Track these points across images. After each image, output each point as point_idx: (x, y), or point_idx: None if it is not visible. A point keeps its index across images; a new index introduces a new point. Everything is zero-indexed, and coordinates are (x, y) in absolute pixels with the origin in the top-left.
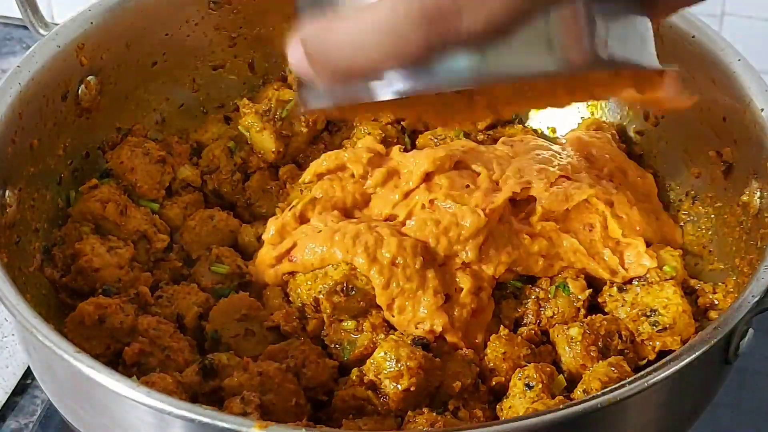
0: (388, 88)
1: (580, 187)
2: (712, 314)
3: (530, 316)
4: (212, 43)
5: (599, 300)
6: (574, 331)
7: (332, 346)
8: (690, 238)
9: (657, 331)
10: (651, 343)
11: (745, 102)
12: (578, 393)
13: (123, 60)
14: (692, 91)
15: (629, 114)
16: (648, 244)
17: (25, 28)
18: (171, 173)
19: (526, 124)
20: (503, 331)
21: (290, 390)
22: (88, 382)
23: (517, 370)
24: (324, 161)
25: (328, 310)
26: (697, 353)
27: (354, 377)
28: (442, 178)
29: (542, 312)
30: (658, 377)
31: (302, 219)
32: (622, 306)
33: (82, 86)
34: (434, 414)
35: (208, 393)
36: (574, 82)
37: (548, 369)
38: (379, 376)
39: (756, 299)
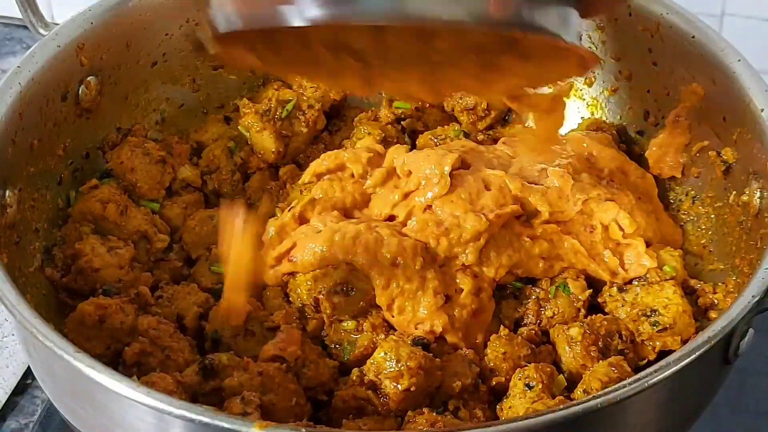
0: (300, 14)
1: (583, 189)
2: (712, 314)
3: (530, 316)
4: None
5: (599, 300)
6: (574, 331)
7: (332, 346)
8: (690, 238)
9: (657, 331)
10: (651, 343)
11: (745, 102)
12: (578, 393)
13: (123, 60)
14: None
15: (629, 114)
16: (648, 245)
17: (25, 28)
18: (171, 173)
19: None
20: (503, 331)
21: (290, 390)
22: (88, 382)
23: (518, 370)
24: (324, 161)
25: (328, 311)
26: (697, 353)
27: (354, 377)
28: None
29: (542, 312)
30: (658, 377)
31: (302, 219)
32: (623, 306)
33: (82, 86)
34: (434, 414)
35: (208, 393)
36: (489, 54)
37: (548, 369)
38: (379, 376)
39: (756, 299)
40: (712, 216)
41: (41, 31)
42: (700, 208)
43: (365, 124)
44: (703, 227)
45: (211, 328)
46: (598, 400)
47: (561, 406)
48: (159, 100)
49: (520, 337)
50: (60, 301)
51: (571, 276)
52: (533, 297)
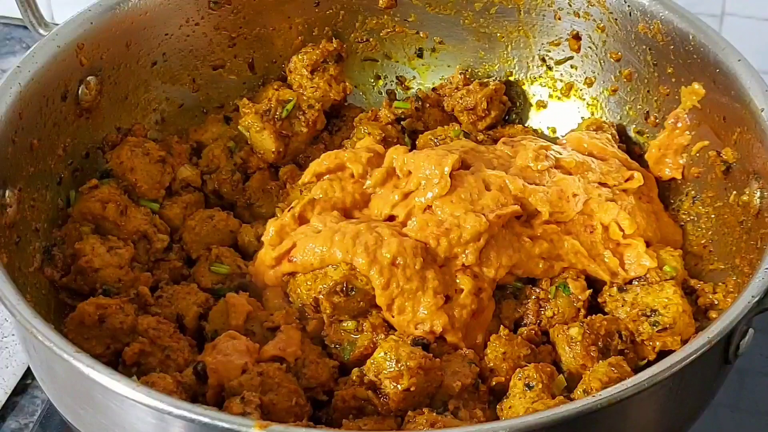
0: None
1: (584, 189)
2: (712, 314)
3: (530, 316)
4: (212, 43)
5: (599, 300)
6: (574, 331)
7: (332, 346)
8: (690, 238)
9: (657, 332)
10: (651, 343)
11: (745, 102)
12: (578, 393)
13: (123, 60)
14: None
15: (629, 114)
16: (648, 245)
17: (25, 28)
18: (171, 173)
19: (526, 125)
20: (503, 331)
21: (290, 390)
22: (88, 382)
23: (518, 370)
24: (324, 161)
25: (328, 311)
26: (697, 353)
27: (354, 377)
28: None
29: (542, 312)
30: (658, 377)
31: (301, 220)
32: (622, 306)
33: (82, 86)
34: (434, 414)
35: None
36: None
37: (548, 369)
38: (379, 376)
39: (756, 299)
40: (712, 216)
41: (41, 31)
42: (700, 208)
43: (365, 124)
44: (703, 227)
45: (210, 328)
46: (598, 400)
47: (561, 406)
48: (159, 100)
49: (520, 337)
50: (60, 301)
51: (571, 276)
52: (533, 297)
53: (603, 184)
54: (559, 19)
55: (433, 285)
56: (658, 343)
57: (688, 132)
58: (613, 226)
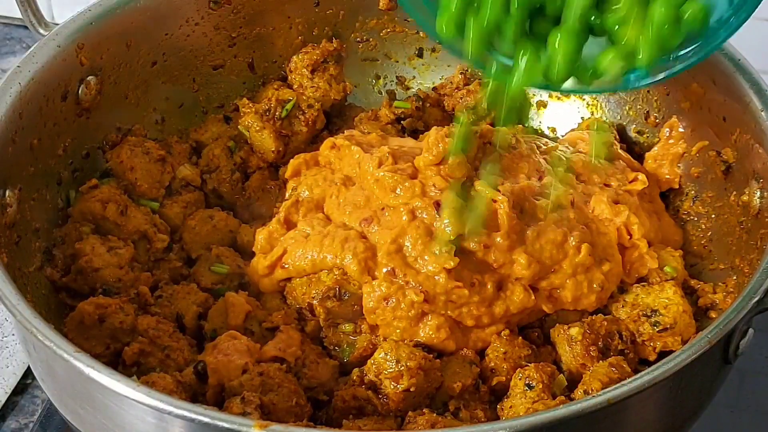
0: None
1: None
2: (712, 314)
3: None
4: (212, 43)
5: None
6: (575, 331)
7: (331, 348)
8: (690, 238)
9: (658, 332)
10: (652, 343)
11: (745, 102)
12: (579, 393)
13: (123, 60)
14: None
15: (629, 114)
16: (649, 245)
17: (25, 28)
18: (171, 173)
19: (526, 125)
20: (504, 332)
21: (290, 390)
22: (88, 382)
23: (518, 370)
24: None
25: (322, 315)
26: (697, 353)
27: (354, 377)
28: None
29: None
30: (658, 377)
31: (288, 224)
32: (623, 307)
33: (82, 86)
34: (435, 414)
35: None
36: None
37: (549, 369)
38: (379, 377)
39: (756, 299)
40: (712, 216)
41: (41, 31)
42: (700, 208)
43: (365, 123)
44: (703, 227)
45: (210, 328)
46: (598, 400)
47: (561, 406)
48: (159, 100)
49: (520, 337)
50: (60, 301)
51: None
52: None
53: (607, 185)
54: None
55: None
56: (658, 344)
57: (683, 140)
58: (621, 229)
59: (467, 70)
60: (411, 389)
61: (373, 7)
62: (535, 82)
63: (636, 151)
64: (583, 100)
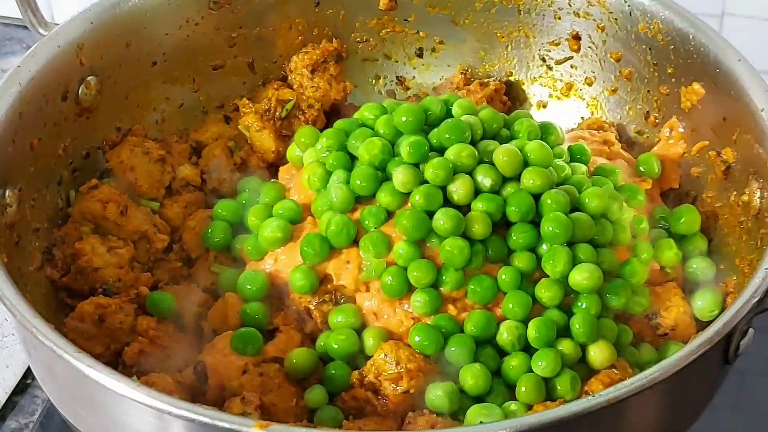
0: None
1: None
2: None
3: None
4: (212, 43)
5: None
6: None
7: None
8: None
9: (658, 334)
10: (652, 344)
11: (745, 102)
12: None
13: (123, 60)
14: None
15: (629, 114)
16: None
17: (25, 28)
18: (171, 172)
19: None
20: None
21: (290, 390)
22: (88, 382)
23: None
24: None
25: (319, 319)
26: (697, 353)
27: (354, 379)
28: None
29: None
30: (658, 377)
31: None
32: None
33: (82, 86)
34: (434, 415)
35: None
36: None
37: None
38: (379, 378)
39: (756, 299)
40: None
41: (41, 31)
42: (700, 208)
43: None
44: (703, 227)
45: (209, 328)
46: (598, 400)
47: (561, 406)
48: (159, 100)
49: None
50: (60, 301)
51: None
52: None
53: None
54: (559, 19)
55: None
56: (659, 345)
57: (683, 140)
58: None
59: (467, 71)
60: (411, 391)
61: (373, 7)
62: None
63: (636, 151)
64: (583, 99)
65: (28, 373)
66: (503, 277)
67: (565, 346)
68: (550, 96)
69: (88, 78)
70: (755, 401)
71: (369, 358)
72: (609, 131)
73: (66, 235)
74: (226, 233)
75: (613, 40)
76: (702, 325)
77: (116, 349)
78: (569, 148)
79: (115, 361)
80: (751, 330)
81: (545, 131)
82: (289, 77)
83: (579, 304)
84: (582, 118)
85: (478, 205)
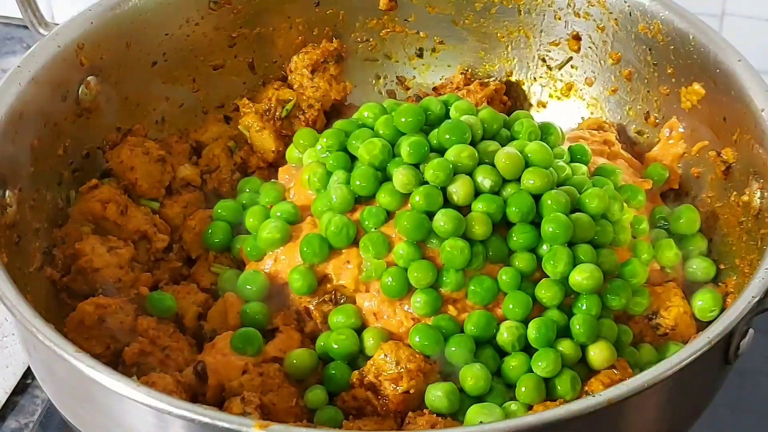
0: None
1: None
2: None
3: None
4: (212, 43)
5: None
6: None
7: None
8: None
9: (659, 334)
10: (652, 344)
11: (745, 102)
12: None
13: (123, 60)
14: None
15: (629, 114)
16: None
17: (25, 28)
18: (171, 172)
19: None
20: None
21: (290, 390)
22: (88, 382)
23: None
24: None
25: (318, 319)
26: (697, 353)
27: (354, 379)
28: None
29: None
30: (658, 377)
31: None
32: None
33: (82, 86)
34: (435, 415)
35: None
36: None
37: None
38: (379, 378)
39: (756, 299)
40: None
41: (41, 31)
42: (700, 208)
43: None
44: (703, 227)
45: (209, 328)
46: (598, 400)
47: (561, 406)
48: (159, 100)
49: None
50: (60, 301)
51: None
52: None
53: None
54: (559, 19)
55: None
56: (659, 345)
57: (683, 140)
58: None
59: (467, 71)
60: (410, 391)
61: (373, 7)
62: None
63: (636, 151)
64: (583, 100)
65: (28, 373)
66: (503, 277)
67: (565, 346)
68: (550, 96)
69: (88, 78)
70: (755, 401)
71: (369, 358)
72: (609, 131)
73: (66, 235)
74: (226, 233)
75: (613, 40)
76: (702, 325)
77: (116, 349)
78: (569, 149)
79: (115, 361)
80: (751, 330)
81: (545, 131)
82: (289, 77)
83: (579, 304)
84: (582, 118)
85: (479, 206)
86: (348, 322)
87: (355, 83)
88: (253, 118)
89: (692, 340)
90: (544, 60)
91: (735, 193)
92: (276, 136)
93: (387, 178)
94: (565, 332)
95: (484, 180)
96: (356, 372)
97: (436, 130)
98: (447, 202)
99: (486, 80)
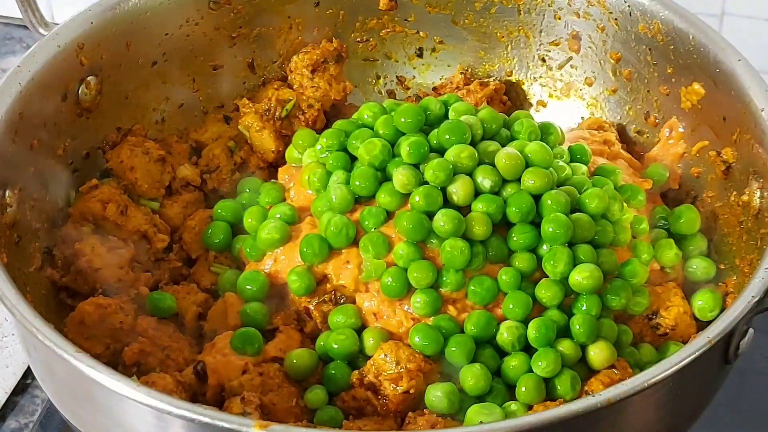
0: None
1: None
2: None
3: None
4: (212, 43)
5: None
6: None
7: None
8: None
9: (659, 334)
10: (652, 344)
11: (745, 102)
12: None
13: (123, 60)
14: None
15: (629, 114)
16: None
17: (25, 28)
18: (171, 172)
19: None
20: None
21: (290, 390)
22: (88, 382)
23: None
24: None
25: (318, 319)
26: (697, 353)
27: (354, 378)
28: None
29: None
30: (658, 377)
31: None
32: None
33: (82, 86)
34: (434, 415)
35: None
36: None
37: None
38: (379, 378)
39: (756, 299)
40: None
41: (41, 31)
42: (700, 208)
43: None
44: (703, 227)
45: (209, 328)
46: (598, 400)
47: (561, 406)
48: (159, 100)
49: None
50: (60, 301)
51: None
52: None
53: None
54: (559, 19)
55: None
56: (659, 345)
57: (683, 140)
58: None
59: (467, 70)
60: (410, 391)
61: (373, 7)
62: None
63: (636, 151)
64: (583, 99)
65: (28, 373)
66: (503, 277)
67: (565, 346)
68: (550, 96)
69: (88, 78)
70: (755, 401)
71: (369, 358)
72: (609, 131)
73: (66, 235)
74: (226, 233)
75: (613, 40)
76: (702, 325)
77: (116, 349)
78: (569, 149)
79: (115, 361)
80: (751, 330)
81: (545, 131)
82: (289, 77)
83: (579, 304)
84: (582, 118)
85: (478, 206)
86: (348, 322)
87: (355, 83)
88: (253, 118)
89: (692, 340)
90: (544, 60)
91: (735, 192)
92: (276, 136)
93: (387, 178)
94: (565, 332)
95: (484, 180)
96: (356, 372)
97: (435, 130)
98: (447, 202)
99: (486, 80)
